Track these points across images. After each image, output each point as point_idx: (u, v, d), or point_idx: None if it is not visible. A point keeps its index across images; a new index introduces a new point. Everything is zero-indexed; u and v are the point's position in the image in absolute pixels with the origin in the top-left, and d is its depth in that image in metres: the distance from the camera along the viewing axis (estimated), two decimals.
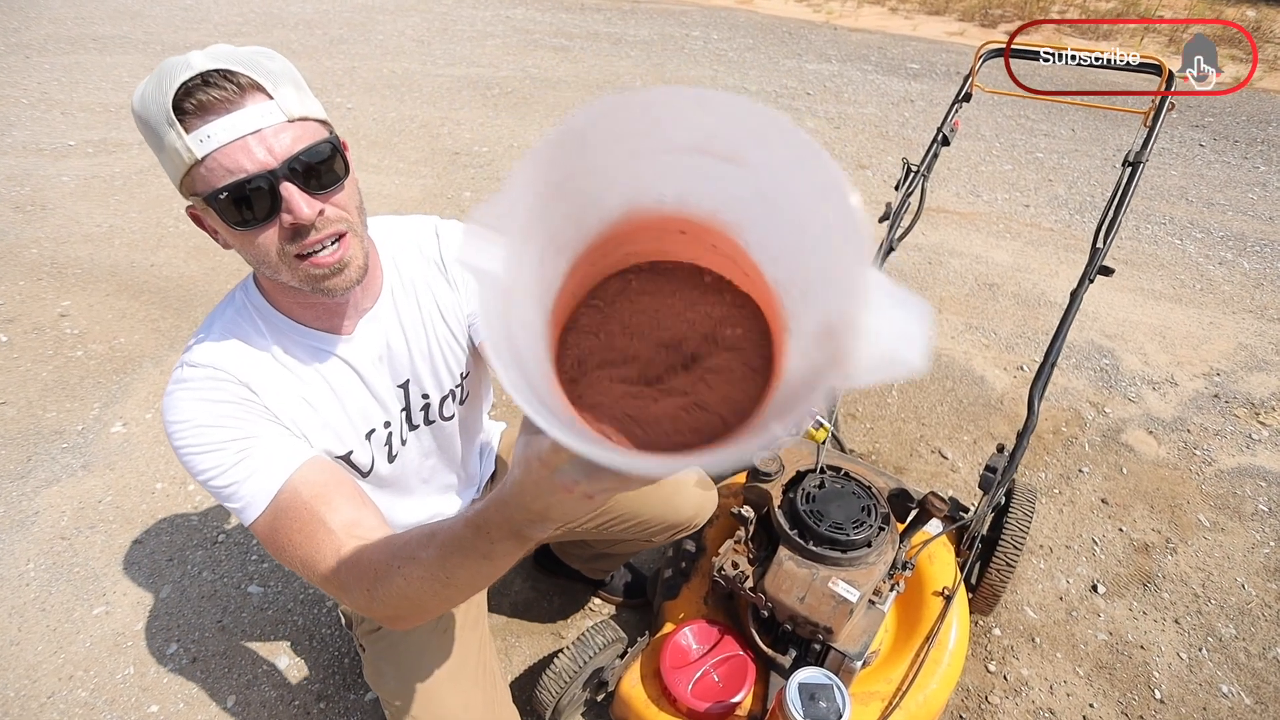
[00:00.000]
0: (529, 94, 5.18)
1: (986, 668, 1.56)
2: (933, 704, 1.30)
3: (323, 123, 0.78)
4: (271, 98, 0.72)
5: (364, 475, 1.00)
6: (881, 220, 1.85)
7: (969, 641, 1.55)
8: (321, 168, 0.75)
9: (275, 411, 0.86)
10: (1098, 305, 2.87)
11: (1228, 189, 4.09)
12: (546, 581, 1.69)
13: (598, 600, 1.66)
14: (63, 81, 5.10)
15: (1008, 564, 1.50)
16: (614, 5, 8.23)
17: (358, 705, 1.44)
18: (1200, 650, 1.61)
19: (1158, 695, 1.51)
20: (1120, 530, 1.90)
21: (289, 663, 1.51)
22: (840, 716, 1.03)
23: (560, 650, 1.31)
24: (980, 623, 1.64)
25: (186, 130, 0.68)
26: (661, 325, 0.45)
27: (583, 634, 1.32)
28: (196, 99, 0.68)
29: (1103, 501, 1.98)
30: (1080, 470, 2.08)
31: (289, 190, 0.73)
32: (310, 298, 0.85)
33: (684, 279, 0.47)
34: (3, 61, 5.53)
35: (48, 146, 4.02)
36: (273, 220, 0.74)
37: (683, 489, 1.30)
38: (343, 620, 1.29)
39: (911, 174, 1.86)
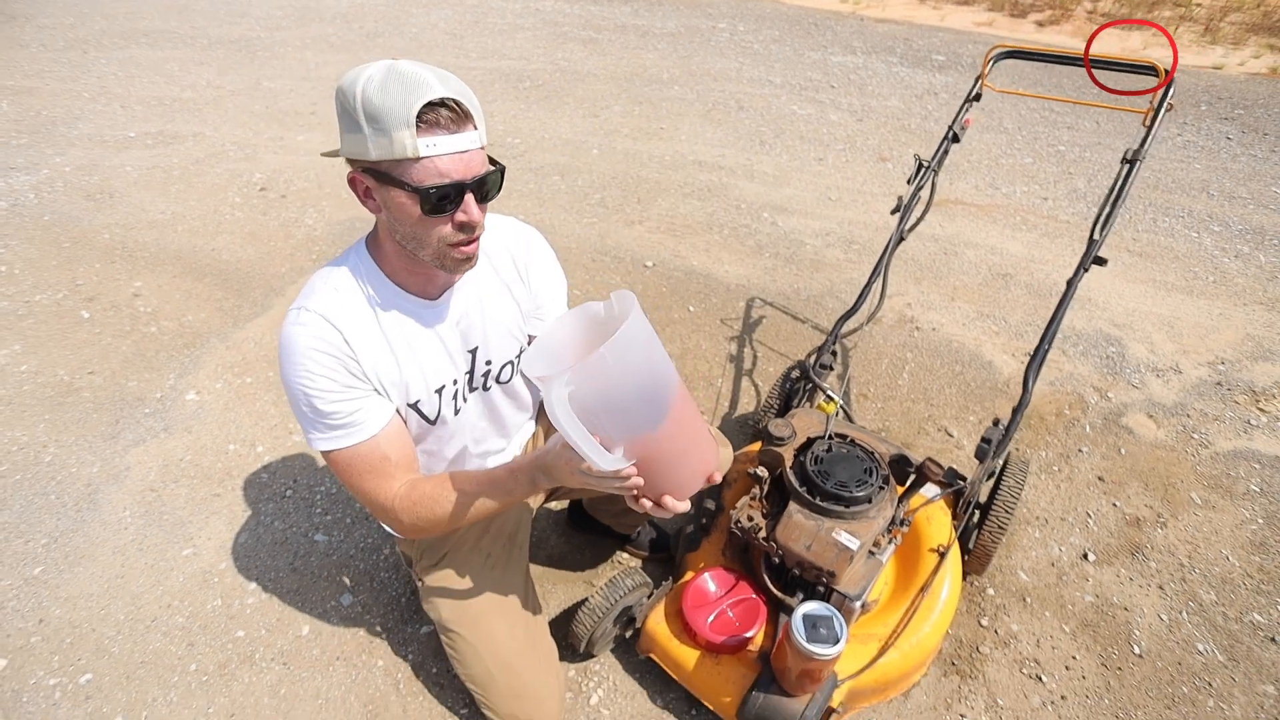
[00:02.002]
0: (559, 86, 5.34)
1: (979, 622, 1.71)
2: (925, 645, 1.46)
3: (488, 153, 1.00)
4: (476, 129, 0.93)
5: (431, 423, 1.18)
6: (893, 212, 1.99)
7: (961, 594, 1.70)
8: (490, 183, 0.98)
9: (365, 366, 1.05)
10: (1108, 295, 2.96)
11: (1251, 182, 4.11)
12: (579, 537, 1.87)
13: (624, 554, 1.84)
14: (119, 76, 5.38)
15: (1000, 526, 1.64)
16: None
17: (414, 637, 1.63)
18: (1181, 613, 1.74)
19: (1136, 650, 1.65)
20: (1114, 505, 2.02)
21: (352, 600, 1.71)
22: (838, 641, 1.19)
23: (594, 592, 1.48)
24: (975, 583, 1.79)
25: (419, 135, 0.87)
26: None
27: (613, 577, 1.50)
28: (435, 115, 0.88)
29: (1099, 479, 2.11)
30: (1080, 450, 2.21)
31: (470, 199, 0.94)
32: (422, 268, 1.05)
33: None
34: (63, 56, 5.82)
35: (110, 138, 4.28)
36: (449, 215, 0.95)
37: None
38: (403, 560, 1.48)
39: (922, 169, 1.99)
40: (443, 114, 0.88)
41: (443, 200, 0.92)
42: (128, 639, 1.60)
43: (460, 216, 0.95)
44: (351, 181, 0.98)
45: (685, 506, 1.00)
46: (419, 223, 0.95)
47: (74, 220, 3.35)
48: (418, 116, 0.86)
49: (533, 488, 1.06)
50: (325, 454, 1.07)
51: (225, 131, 4.43)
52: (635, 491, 0.97)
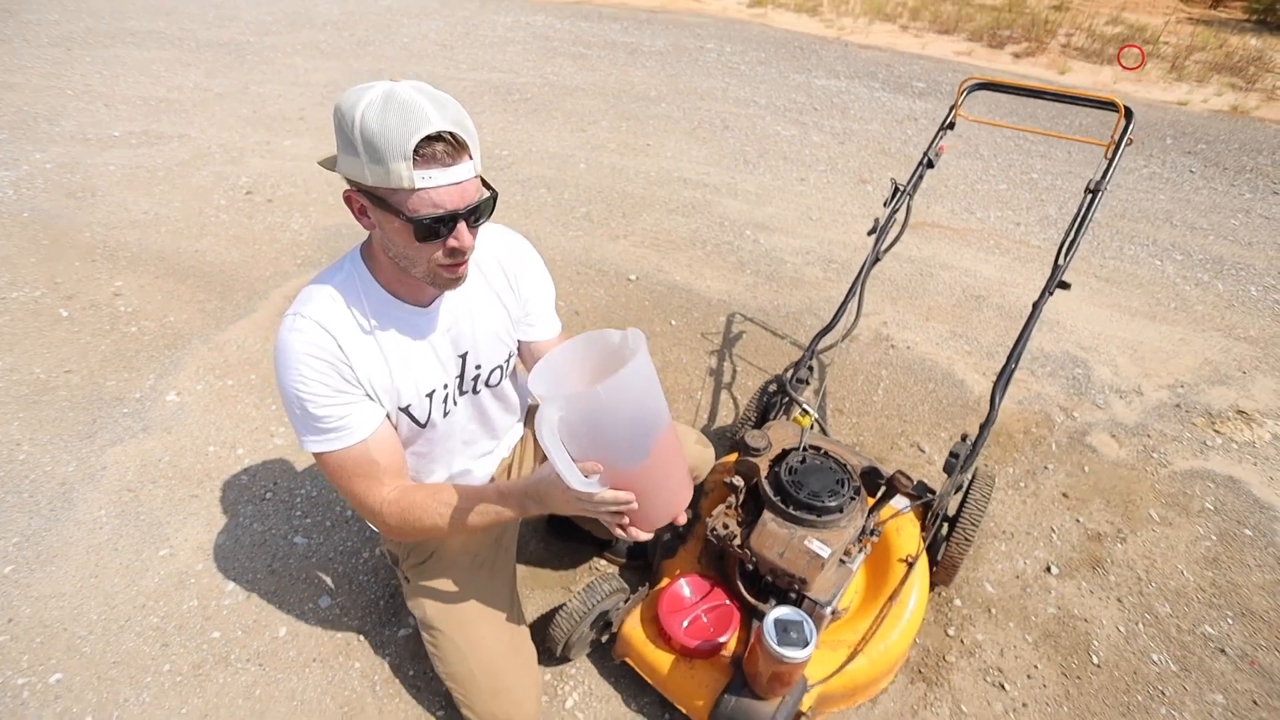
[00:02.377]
0: (548, 100, 5.41)
1: (946, 632, 1.76)
2: (892, 652, 1.51)
3: (483, 178, 1.02)
4: (472, 158, 0.95)
5: (421, 426, 1.21)
6: (870, 234, 2.06)
7: (928, 604, 1.75)
8: (482, 211, 1.01)
9: (358, 371, 1.08)
10: (1075, 319, 3.07)
11: (1212, 214, 4.28)
12: (558, 544, 1.89)
13: (602, 561, 1.86)
14: (104, 75, 5.35)
15: (966, 538, 1.70)
16: (631, 15, 8.46)
17: (392, 639, 1.64)
18: (1137, 625, 1.80)
19: (1095, 660, 1.71)
20: (1077, 521, 2.10)
21: (331, 603, 1.72)
22: (807, 645, 1.23)
23: (572, 596, 1.51)
24: (943, 594, 1.84)
25: (415, 167, 0.89)
26: None
27: (591, 582, 1.52)
28: (432, 149, 0.90)
29: (1064, 495, 2.18)
30: (1046, 467, 2.28)
31: (462, 226, 0.98)
32: (413, 280, 1.07)
33: None
34: (46, 53, 5.78)
35: (94, 137, 4.25)
36: (442, 241, 0.98)
37: (685, 446, 1.52)
38: (388, 557, 1.50)
39: (898, 193, 2.07)
40: (439, 148, 0.90)
41: (436, 226, 0.95)
42: (100, 639, 1.59)
43: (452, 243, 0.98)
44: (347, 199, 1.00)
45: (646, 537, 1.06)
46: (412, 247, 0.98)
47: (54, 218, 3.32)
48: (415, 150, 0.88)
49: (522, 512, 1.11)
50: (316, 456, 1.10)
51: (211, 134, 4.43)
52: (622, 516, 1.02)
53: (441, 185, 0.92)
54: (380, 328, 1.10)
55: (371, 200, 0.96)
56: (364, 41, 6.72)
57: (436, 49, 6.61)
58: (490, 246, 1.24)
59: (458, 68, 6.08)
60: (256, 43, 6.45)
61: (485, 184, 1.02)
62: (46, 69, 5.39)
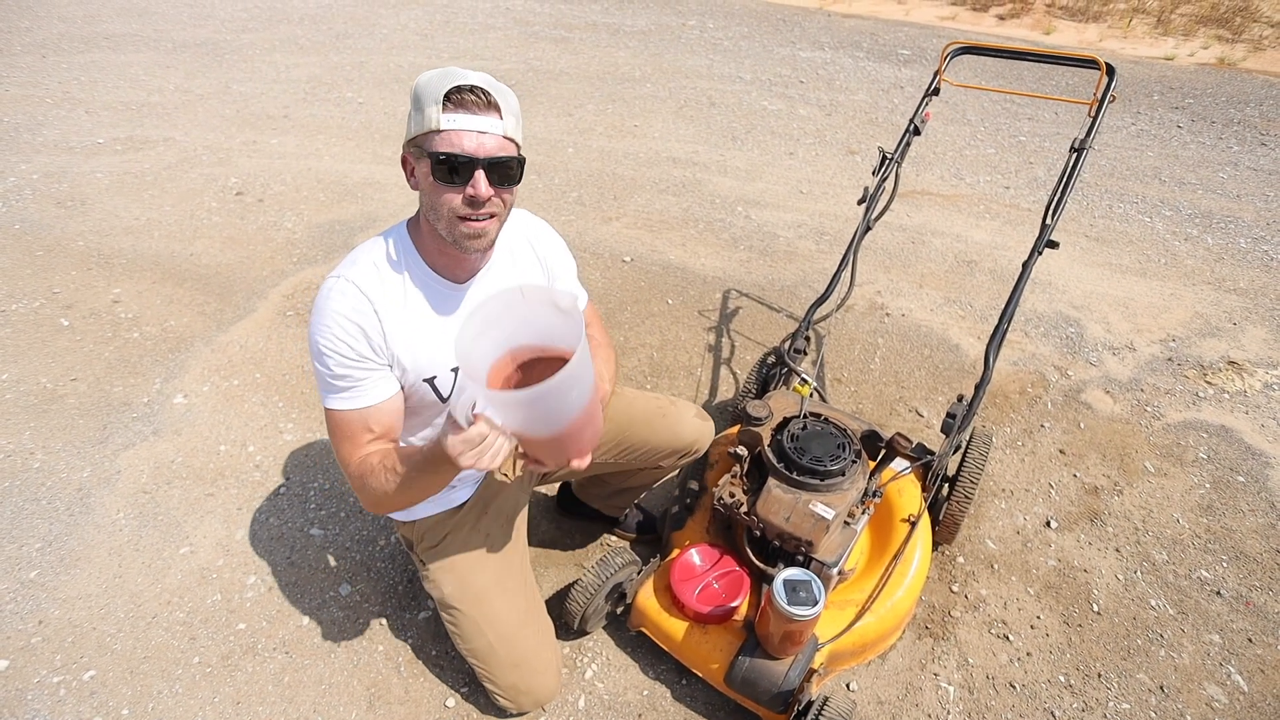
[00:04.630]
0: (533, 86, 5.37)
1: (950, 589, 1.81)
2: (899, 609, 1.56)
3: (519, 146, 1.10)
4: (501, 119, 1.05)
5: (444, 400, 1.26)
6: (860, 203, 2.08)
7: (932, 562, 1.80)
8: (505, 171, 1.07)
9: (387, 338, 1.14)
10: (1067, 279, 3.10)
11: (1200, 169, 4.30)
12: (568, 522, 1.94)
13: (613, 537, 1.91)
14: (81, 80, 5.29)
15: (966, 496, 1.74)
16: None
17: (413, 622, 1.69)
18: (1135, 573, 1.86)
19: (1095, 608, 1.77)
20: (1074, 476, 2.14)
21: (351, 590, 1.76)
22: (817, 604, 1.28)
23: (586, 570, 1.55)
24: (946, 552, 1.89)
25: (443, 111, 1.01)
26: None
27: (603, 556, 1.57)
28: (461, 95, 1.02)
29: (1060, 452, 2.23)
30: (1042, 425, 2.33)
31: (479, 174, 1.04)
32: (448, 249, 1.13)
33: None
34: (20, 61, 5.71)
35: (78, 145, 4.22)
36: (459, 187, 1.04)
37: (684, 420, 1.58)
38: (403, 543, 1.54)
39: (886, 162, 2.09)
40: (468, 96, 1.01)
41: (453, 170, 1.02)
42: (129, 636, 1.63)
43: (469, 190, 1.04)
44: (403, 161, 1.11)
45: (548, 469, 1.10)
46: (433, 189, 1.06)
47: (46, 228, 3.32)
48: (445, 96, 1.00)
49: (434, 459, 1.04)
50: (326, 411, 1.17)
51: (196, 136, 4.40)
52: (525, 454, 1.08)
53: (464, 129, 1.01)
54: (415, 298, 1.17)
55: (415, 154, 1.06)
56: (343, 34, 6.64)
57: (417, 39, 6.54)
58: (520, 229, 1.32)
59: (439, 57, 6.02)
60: (234, 41, 6.37)
61: (518, 151, 1.09)
62: (23, 77, 5.32)
